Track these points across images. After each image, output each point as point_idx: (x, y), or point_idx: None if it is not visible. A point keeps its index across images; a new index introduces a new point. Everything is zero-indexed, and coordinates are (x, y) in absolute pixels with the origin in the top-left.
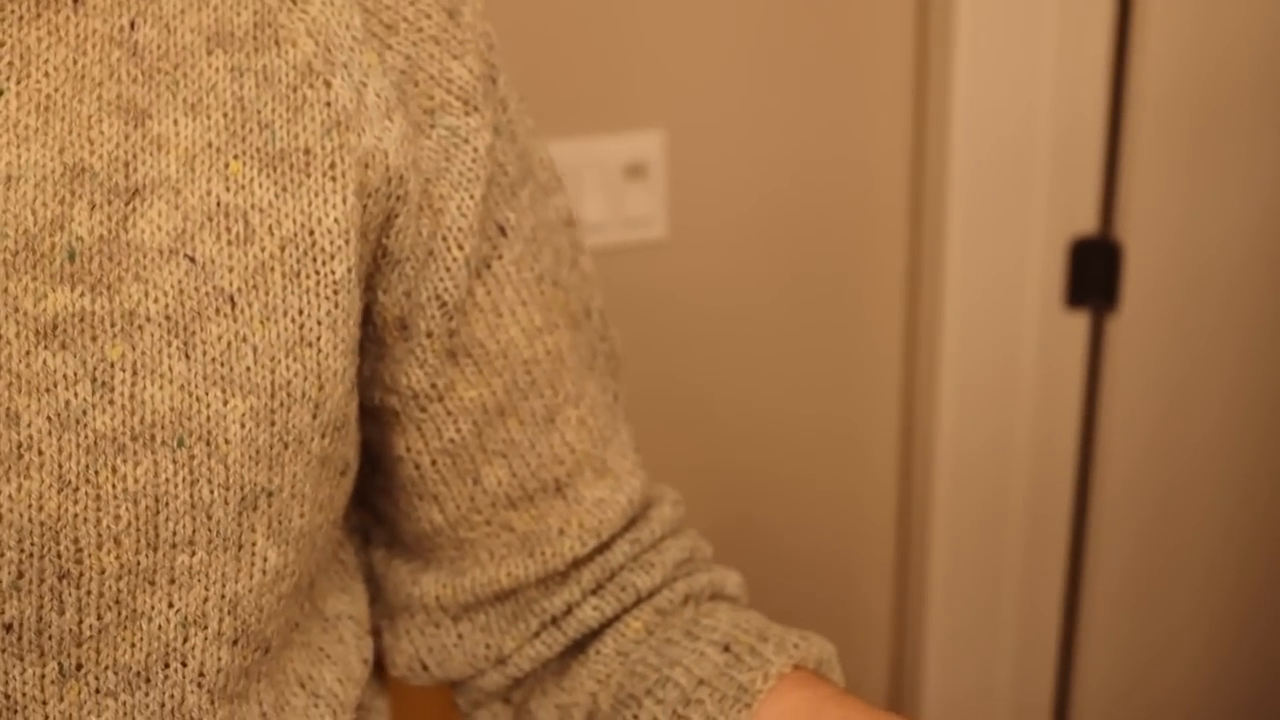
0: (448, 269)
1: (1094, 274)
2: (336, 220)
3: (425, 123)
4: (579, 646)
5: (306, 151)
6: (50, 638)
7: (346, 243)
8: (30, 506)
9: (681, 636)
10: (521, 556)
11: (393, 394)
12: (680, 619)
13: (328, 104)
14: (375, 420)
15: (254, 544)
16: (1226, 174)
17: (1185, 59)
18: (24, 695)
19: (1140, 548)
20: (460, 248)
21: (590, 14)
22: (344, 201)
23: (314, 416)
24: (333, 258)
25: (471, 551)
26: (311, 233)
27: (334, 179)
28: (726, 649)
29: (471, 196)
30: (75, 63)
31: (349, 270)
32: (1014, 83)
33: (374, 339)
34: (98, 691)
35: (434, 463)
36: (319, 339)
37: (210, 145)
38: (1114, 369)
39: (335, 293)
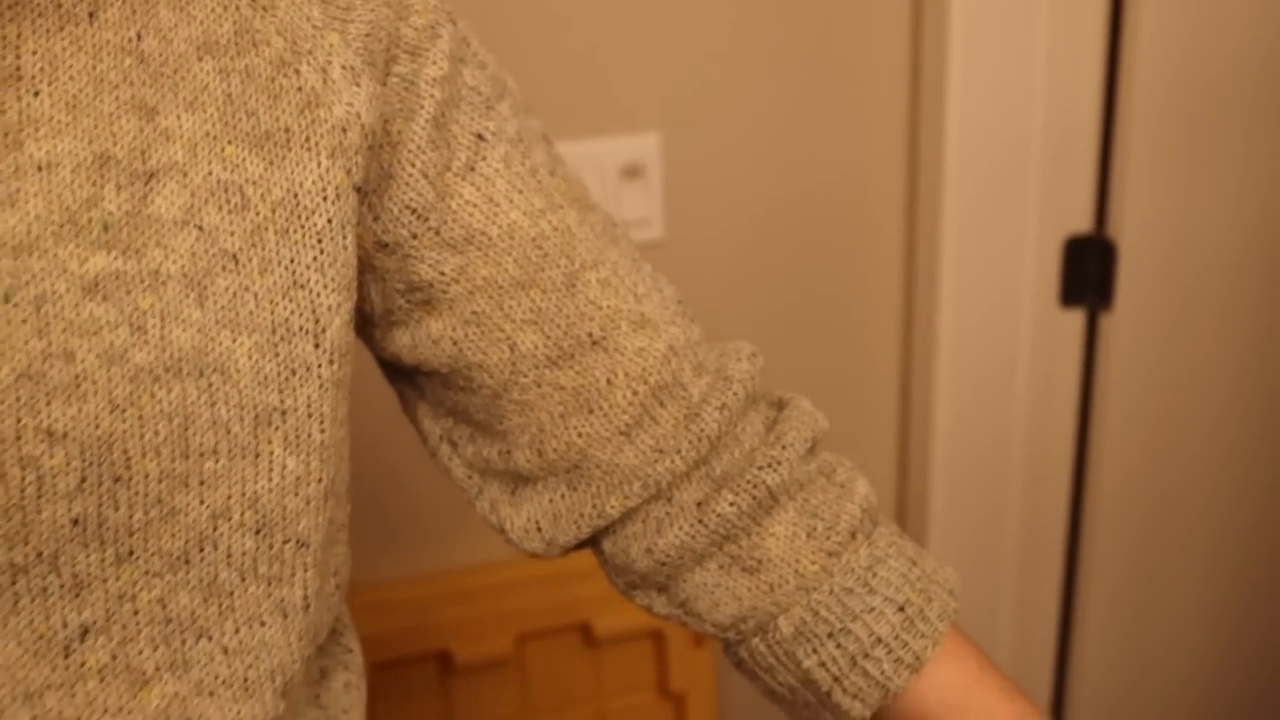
0: (408, 183)
1: (1089, 272)
2: (314, 182)
3: (384, 74)
4: (749, 567)
5: (286, 130)
6: (108, 529)
7: (324, 199)
8: (89, 425)
9: (859, 587)
10: (582, 415)
11: (416, 291)
12: (856, 562)
13: (299, 89)
14: (420, 328)
15: (271, 453)
16: (1219, 173)
17: (1178, 60)
18: (89, 575)
19: (1136, 545)
20: (414, 164)
21: (588, 18)
22: (318, 165)
23: (316, 346)
24: (313, 213)
25: (533, 415)
26: (295, 195)
27: (309, 149)
28: (901, 609)
29: (415, 122)
30: (94, 68)
31: (329, 221)
32: (1008, 84)
33: (371, 267)
34: (147, 572)
35: (466, 335)
36: (309, 281)
37: (208, 135)
38: (1109, 367)
39: (319, 241)
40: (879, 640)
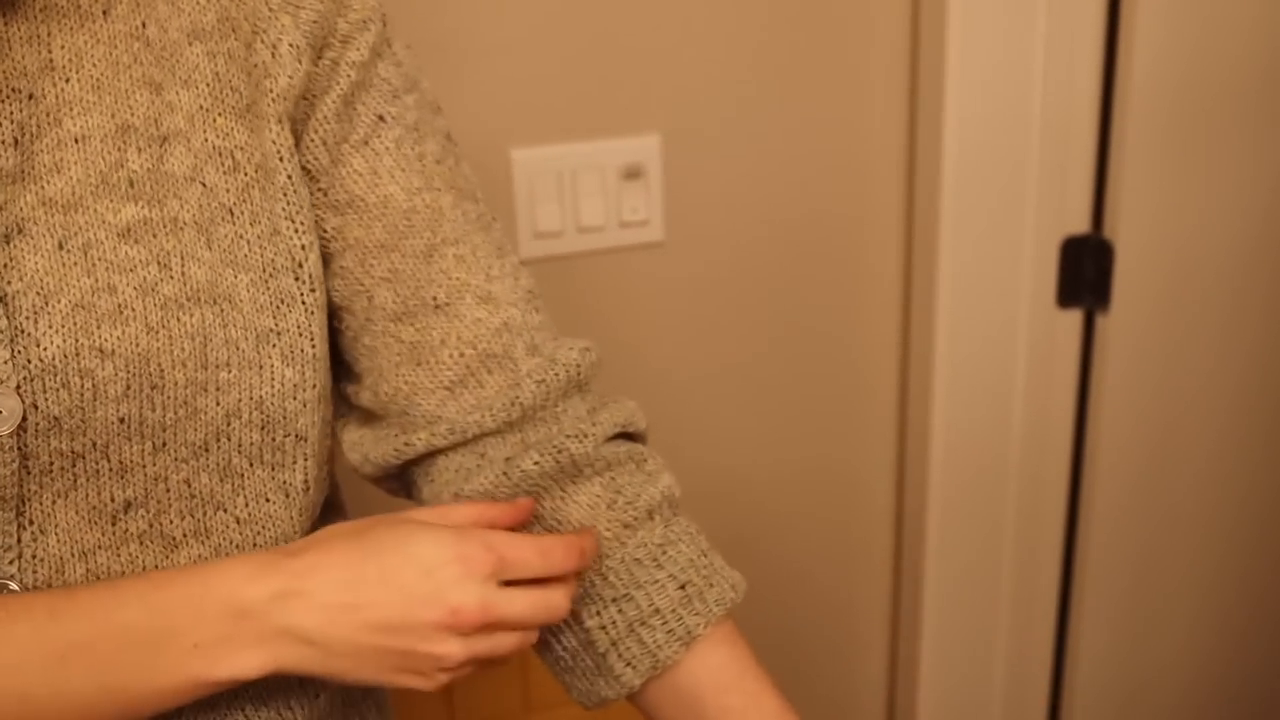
0: (308, 147)
1: (1086, 273)
2: (272, 144)
3: (317, 57)
4: (550, 527)
5: (256, 103)
6: (147, 425)
7: (281, 159)
8: (131, 344)
9: (648, 560)
10: (410, 366)
11: None
12: (650, 538)
13: (255, 65)
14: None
15: (272, 364)
16: (1216, 173)
17: (1175, 61)
18: (131, 461)
19: (1134, 545)
20: (317, 132)
21: (589, 21)
22: (271, 131)
23: (296, 279)
24: (277, 172)
25: (376, 361)
26: (266, 157)
27: (267, 118)
28: (683, 587)
29: (329, 96)
30: (110, 54)
31: (289, 177)
32: (1005, 86)
33: None
34: (176, 459)
35: (337, 287)
36: (283, 228)
37: (202, 108)
38: (1106, 366)
39: (284, 194)
40: (657, 610)
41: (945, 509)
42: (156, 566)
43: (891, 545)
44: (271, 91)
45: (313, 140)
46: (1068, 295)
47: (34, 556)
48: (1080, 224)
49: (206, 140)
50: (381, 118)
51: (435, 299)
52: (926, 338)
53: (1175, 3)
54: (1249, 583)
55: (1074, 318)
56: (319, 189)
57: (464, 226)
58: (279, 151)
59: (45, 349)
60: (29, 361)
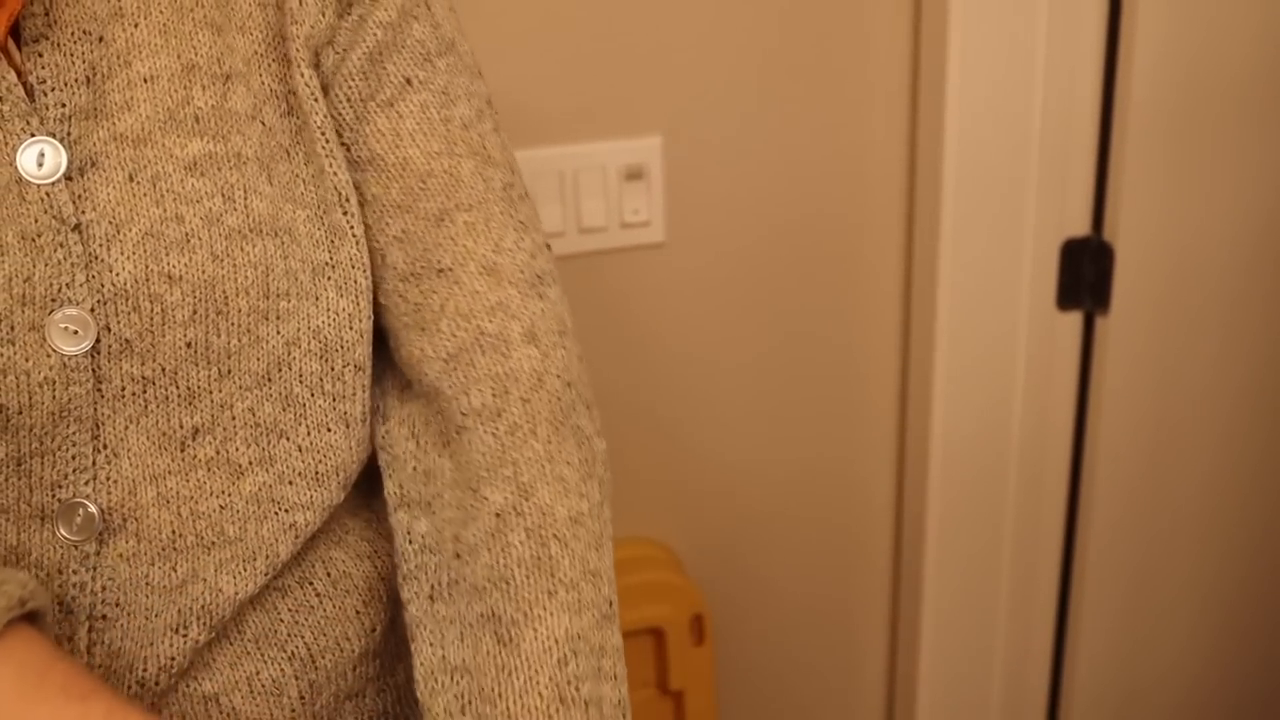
0: (333, 102)
1: (1086, 275)
2: (306, 86)
3: (345, 10)
4: None
5: (289, 48)
6: (213, 351)
7: (315, 101)
8: (197, 270)
9: None
10: (417, 331)
11: None
12: None
13: (287, 12)
14: None
15: (328, 295)
16: (1215, 176)
17: (1175, 64)
18: (199, 388)
19: (1133, 547)
20: (342, 88)
21: (592, 22)
22: (302, 75)
23: (344, 213)
24: (314, 113)
25: (390, 320)
26: (303, 100)
27: (303, 61)
28: None
29: (355, 52)
30: (175, 1)
31: (324, 118)
32: (1006, 88)
33: None
34: (240, 387)
35: (364, 243)
36: (327, 166)
37: (256, 53)
38: (1105, 368)
39: (323, 134)
40: None
41: (945, 510)
42: (224, 492)
43: (891, 546)
44: (298, 38)
45: (338, 95)
46: (1067, 297)
47: (108, 479)
48: (1080, 226)
49: (263, 83)
50: (409, 80)
51: (440, 263)
52: (927, 339)
53: (1175, 6)
54: (1249, 585)
55: (1074, 320)
56: (342, 144)
57: (483, 194)
58: (312, 94)
59: (118, 274)
60: (102, 286)
